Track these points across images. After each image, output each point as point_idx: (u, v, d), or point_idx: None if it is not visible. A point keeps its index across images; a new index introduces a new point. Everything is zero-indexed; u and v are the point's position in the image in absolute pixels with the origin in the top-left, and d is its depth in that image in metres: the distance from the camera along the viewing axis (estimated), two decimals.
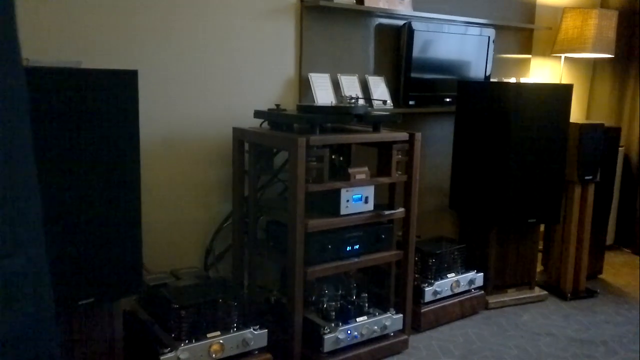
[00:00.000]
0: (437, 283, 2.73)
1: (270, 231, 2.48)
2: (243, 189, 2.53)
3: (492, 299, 2.98)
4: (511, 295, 3.06)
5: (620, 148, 3.67)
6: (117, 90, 1.72)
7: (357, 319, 2.31)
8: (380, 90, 2.99)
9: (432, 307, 2.71)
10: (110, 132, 1.71)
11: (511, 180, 2.82)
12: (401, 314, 2.45)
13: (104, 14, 2.24)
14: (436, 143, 3.42)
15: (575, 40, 3.65)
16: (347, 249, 2.34)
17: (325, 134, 2.25)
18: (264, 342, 2.11)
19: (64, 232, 1.65)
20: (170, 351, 1.91)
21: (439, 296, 2.73)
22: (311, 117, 2.27)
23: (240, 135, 2.48)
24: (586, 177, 3.08)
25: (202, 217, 2.61)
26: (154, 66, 2.39)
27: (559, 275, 3.22)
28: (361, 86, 2.91)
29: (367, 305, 2.40)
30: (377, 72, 3.05)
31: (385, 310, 2.42)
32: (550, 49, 3.87)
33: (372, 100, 2.88)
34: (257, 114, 2.49)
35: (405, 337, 2.48)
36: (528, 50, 3.81)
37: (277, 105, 2.49)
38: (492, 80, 3.46)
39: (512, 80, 3.63)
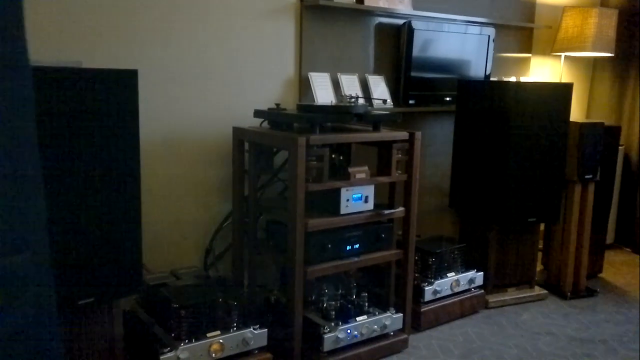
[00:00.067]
0: (437, 282, 2.73)
1: (270, 231, 2.48)
2: (243, 189, 2.53)
3: (492, 298, 2.98)
4: (511, 294, 3.06)
5: (620, 147, 3.67)
6: (117, 90, 1.72)
7: (357, 319, 2.31)
8: (380, 89, 2.99)
9: (432, 307, 2.72)
10: (110, 132, 1.72)
11: (511, 179, 2.82)
12: (401, 313, 2.45)
13: (104, 14, 2.24)
14: (436, 142, 3.42)
15: (575, 39, 3.65)
16: (347, 249, 2.34)
17: (325, 134, 2.25)
18: (263, 342, 2.12)
19: (64, 232, 1.65)
20: (170, 351, 1.91)
21: (438, 295, 2.73)
22: (311, 116, 2.27)
23: (240, 135, 2.48)
24: (586, 176, 3.08)
25: (202, 216, 2.61)
26: (154, 66, 2.38)
27: (559, 274, 3.23)
28: (361, 85, 2.91)
29: (367, 304, 2.40)
30: (377, 72, 3.05)
31: (385, 309, 2.42)
32: (550, 48, 3.87)
33: (372, 100, 2.88)
34: (257, 113, 2.49)
35: (405, 336, 2.48)
36: (528, 49, 3.81)
37: (277, 105, 2.49)
38: (492, 79, 3.46)
39: (512, 79, 3.63)
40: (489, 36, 3.35)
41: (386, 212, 2.42)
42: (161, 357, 1.89)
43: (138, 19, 2.32)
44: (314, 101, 2.71)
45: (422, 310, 2.67)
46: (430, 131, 3.38)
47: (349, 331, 2.25)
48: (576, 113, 4.07)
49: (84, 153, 1.67)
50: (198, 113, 2.53)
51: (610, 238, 3.88)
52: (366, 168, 2.34)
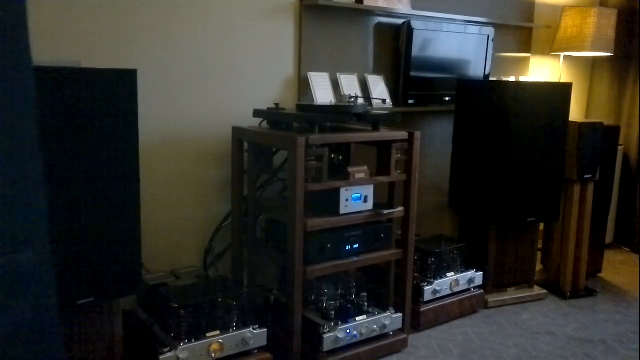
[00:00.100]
0: (436, 282, 2.73)
1: (269, 230, 2.48)
2: (242, 189, 2.53)
3: (492, 298, 2.98)
4: (511, 294, 3.06)
5: (619, 147, 3.68)
6: (116, 90, 1.72)
7: (357, 318, 2.31)
8: (379, 89, 2.99)
9: (432, 306, 2.72)
10: (109, 132, 1.71)
11: (510, 179, 2.82)
12: (400, 313, 2.45)
13: (103, 14, 2.23)
14: (435, 142, 3.42)
15: (574, 39, 3.65)
16: (347, 248, 2.34)
17: (324, 133, 2.25)
18: (263, 342, 2.12)
19: (64, 232, 1.65)
20: (170, 350, 1.91)
21: (438, 295, 2.73)
22: (310, 116, 2.27)
23: (239, 135, 2.48)
24: (585, 176, 3.08)
25: (202, 216, 2.61)
26: (153, 66, 2.38)
27: (559, 274, 3.23)
28: (360, 85, 2.91)
29: (366, 304, 2.41)
30: (376, 71, 3.05)
31: (384, 309, 2.42)
32: (549, 48, 3.87)
33: (372, 100, 2.88)
34: (257, 113, 2.49)
35: (405, 336, 2.48)
36: (527, 49, 3.81)
37: (277, 105, 2.49)
38: (491, 79, 3.46)
39: (512, 79, 3.63)
40: (488, 36, 3.35)
41: (386, 212, 2.42)
42: (161, 357, 1.89)
43: (137, 19, 2.32)
44: (314, 101, 2.71)
45: (421, 310, 2.67)
46: (430, 131, 3.38)
47: (348, 331, 2.26)
48: (575, 113, 4.08)
49: (83, 153, 1.67)
50: (197, 113, 2.53)
51: (609, 238, 3.89)
52: (365, 168, 2.34)
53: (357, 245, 2.36)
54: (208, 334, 2.01)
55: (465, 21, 3.27)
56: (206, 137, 2.57)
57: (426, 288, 2.70)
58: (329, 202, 2.30)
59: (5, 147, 0.71)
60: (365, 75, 2.98)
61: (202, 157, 2.57)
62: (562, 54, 3.81)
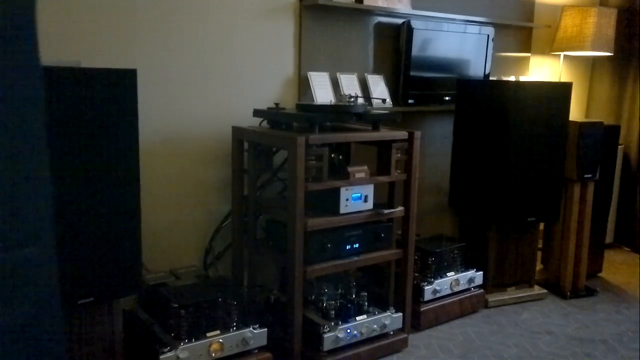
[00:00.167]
0: (436, 282, 2.73)
1: (269, 230, 2.48)
2: (242, 188, 2.53)
3: (492, 298, 2.98)
4: (511, 293, 3.06)
5: (619, 146, 3.68)
6: (116, 90, 1.72)
7: (357, 318, 2.31)
8: (379, 89, 2.99)
9: (432, 306, 2.72)
10: (109, 132, 1.71)
11: (511, 178, 2.82)
12: (401, 312, 2.45)
13: (103, 14, 2.23)
14: (435, 141, 3.42)
15: (574, 39, 3.65)
16: (347, 248, 2.34)
17: (324, 133, 2.25)
18: (263, 341, 2.12)
19: (63, 232, 1.65)
20: (170, 350, 1.91)
21: (438, 295, 2.73)
22: (310, 116, 2.27)
23: (239, 134, 2.48)
24: (585, 176, 3.08)
25: (202, 216, 2.61)
26: (153, 65, 2.38)
27: (559, 273, 3.23)
28: (360, 85, 2.91)
29: (366, 304, 2.40)
30: (376, 71, 3.05)
31: (384, 309, 2.42)
32: (549, 47, 3.87)
33: (372, 99, 2.88)
34: (257, 112, 2.49)
35: (405, 335, 2.48)
36: (527, 49, 3.81)
37: (277, 104, 2.49)
38: (491, 78, 3.46)
39: (512, 78, 3.63)
40: (488, 35, 3.35)
41: (386, 211, 2.42)
42: (161, 357, 1.89)
43: (137, 19, 2.32)
44: (314, 101, 2.71)
45: (421, 309, 2.67)
46: (430, 130, 3.38)
47: (348, 330, 2.26)
48: (575, 112, 4.08)
49: (83, 153, 1.67)
50: (197, 113, 2.53)
51: (609, 237, 3.88)
52: (365, 167, 2.34)
53: (357, 245, 2.36)
54: (208, 334, 2.01)
55: (465, 21, 3.27)
56: (206, 137, 2.57)
57: (426, 288, 2.70)
58: (329, 202, 2.30)
59: (15, 145, 0.72)
60: (365, 74, 2.98)
61: (202, 157, 2.57)
62: (562, 54, 3.81)
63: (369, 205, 2.37)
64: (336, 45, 2.89)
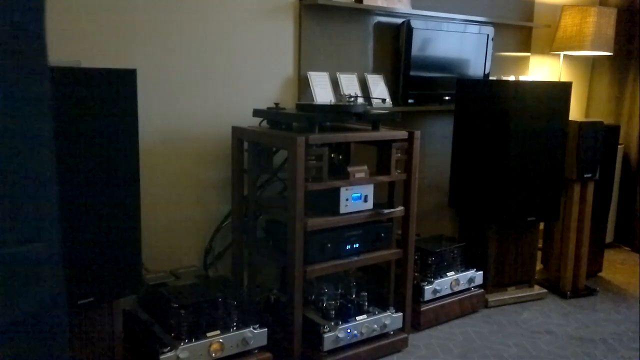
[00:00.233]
0: (436, 281, 2.73)
1: (269, 230, 2.48)
2: (242, 188, 2.53)
3: (492, 297, 2.98)
4: (511, 293, 3.06)
5: (619, 146, 3.68)
6: (116, 90, 1.72)
7: (357, 318, 2.31)
8: (379, 88, 2.99)
9: (432, 306, 2.71)
10: (109, 132, 1.71)
11: (510, 178, 2.82)
12: (401, 312, 2.45)
13: (103, 14, 2.23)
14: (435, 141, 3.42)
15: (574, 38, 3.65)
16: (347, 248, 2.34)
17: (324, 133, 2.25)
18: (263, 341, 2.11)
19: (63, 232, 1.65)
20: (170, 350, 1.91)
21: (438, 295, 2.73)
22: (310, 115, 2.27)
23: (239, 134, 2.48)
24: (585, 175, 3.08)
25: (202, 216, 2.61)
26: (153, 65, 2.38)
27: (559, 273, 3.23)
28: (360, 85, 2.91)
29: (366, 303, 2.40)
30: (376, 71, 3.05)
31: (384, 308, 2.42)
32: (549, 47, 3.87)
33: (371, 99, 2.88)
34: (256, 112, 2.49)
35: (405, 335, 2.48)
36: (527, 48, 3.81)
37: (276, 104, 2.49)
38: (491, 78, 3.46)
39: (511, 78, 3.63)
40: (487, 35, 3.35)
41: (386, 211, 2.42)
42: (161, 357, 1.89)
43: (137, 19, 2.32)
44: (313, 100, 2.71)
45: (421, 309, 2.67)
46: (430, 130, 3.38)
47: (348, 330, 2.25)
48: (575, 112, 4.08)
49: (83, 153, 1.67)
50: (197, 112, 2.53)
51: (609, 237, 3.88)
52: (365, 167, 2.34)
53: (357, 245, 2.36)
54: (208, 334, 2.00)
55: (465, 20, 3.27)
56: (206, 137, 2.57)
57: (426, 287, 2.70)
58: (329, 202, 2.30)
59: (23, 143, 0.73)
60: (365, 74, 2.97)
61: (202, 157, 2.57)
62: (561, 53, 3.81)
63: (369, 205, 2.37)
64: (336, 45, 2.89)
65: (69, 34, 2.16)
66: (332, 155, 2.40)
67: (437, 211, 3.49)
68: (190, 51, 2.47)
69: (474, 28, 3.30)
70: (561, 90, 2.90)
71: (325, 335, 2.19)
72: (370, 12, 2.98)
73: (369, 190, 2.36)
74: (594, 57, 4.22)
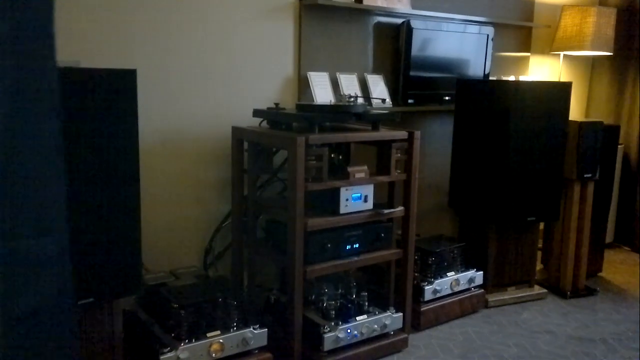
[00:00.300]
0: (436, 282, 2.73)
1: (269, 230, 2.48)
2: (242, 188, 2.53)
3: (492, 297, 2.98)
4: (511, 293, 3.06)
5: (619, 146, 3.68)
6: (116, 90, 1.72)
7: (357, 318, 2.31)
8: (379, 88, 2.99)
9: (432, 306, 2.71)
10: (109, 132, 1.71)
11: (510, 178, 2.82)
12: (401, 312, 2.45)
13: (102, 13, 2.23)
14: (435, 141, 3.42)
15: (574, 38, 3.65)
16: (347, 248, 2.34)
17: (324, 133, 2.25)
18: (263, 341, 2.11)
19: None
20: (170, 351, 1.91)
21: (438, 295, 2.73)
22: (310, 116, 2.27)
23: (239, 134, 2.48)
24: (585, 175, 3.08)
25: (201, 216, 2.61)
26: (153, 65, 2.38)
27: (559, 273, 3.23)
28: (360, 85, 2.91)
29: (366, 304, 2.40)
30: (376, 71, 3.05)
31: (385, 309, 2.42)
32: (549, 47, 3.87)
33: (371, 99, 2.88)
34: (256, 112, 2.49)
35: (405, 335, 2.48)
36: (527, 48, 3.81)
37: (276, 104, 2.49)
38: (491, 78, 3.46)
39: (511, 78, 3.63)
40: (487, 35, 3.35)
41: (386, 211, 2.42)
42: (161, 357, 1.89)
43: (137, 19, 2.32)
44: (313, 101, 2.71)
45: (422, 309, 2.67)
46: (430, 130, 3.38)
47: (349, 331, 2.25)
48: (575, 112, 4.07)
49: (83, 153, 1.67)
50: (197, 113, 2.53)
51: (609, 237, 3.88)
52: (365, 167, 2.34)
53: (357, 245, 2.36)
54: (208, 334, 2.00)
55: (465, 20, 3.27)
56: (206, 137, 2.57)
57: (426, 288, 2.69)
58: (329, 202, 2.30)
59: (33, 140, 0.75)
60: (365, 74, 2.97)
61: (202, 157, 2.57)
62: (561, 53, 3.81)
63: (369, 205, 2.37)
64: (336, 45, 2.89)
65: (68, 34, 2.16)
66: (332, 155, 2.40)
67: (437, 211, 3.49)
68: (190, 51, 2.47)
69: (473, 28, 3.30)
70: (561, 90, 2.90)
71: (326, 336, 2.19)
72: (370, 12, 2.98)
73: (369, 190, 2.36)
74: (594, 57, 4.22)
